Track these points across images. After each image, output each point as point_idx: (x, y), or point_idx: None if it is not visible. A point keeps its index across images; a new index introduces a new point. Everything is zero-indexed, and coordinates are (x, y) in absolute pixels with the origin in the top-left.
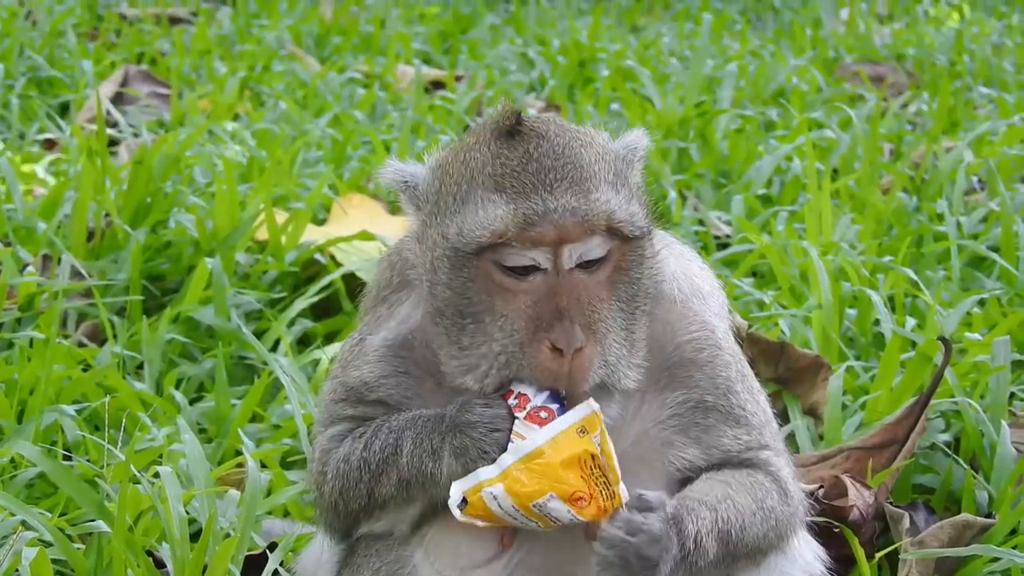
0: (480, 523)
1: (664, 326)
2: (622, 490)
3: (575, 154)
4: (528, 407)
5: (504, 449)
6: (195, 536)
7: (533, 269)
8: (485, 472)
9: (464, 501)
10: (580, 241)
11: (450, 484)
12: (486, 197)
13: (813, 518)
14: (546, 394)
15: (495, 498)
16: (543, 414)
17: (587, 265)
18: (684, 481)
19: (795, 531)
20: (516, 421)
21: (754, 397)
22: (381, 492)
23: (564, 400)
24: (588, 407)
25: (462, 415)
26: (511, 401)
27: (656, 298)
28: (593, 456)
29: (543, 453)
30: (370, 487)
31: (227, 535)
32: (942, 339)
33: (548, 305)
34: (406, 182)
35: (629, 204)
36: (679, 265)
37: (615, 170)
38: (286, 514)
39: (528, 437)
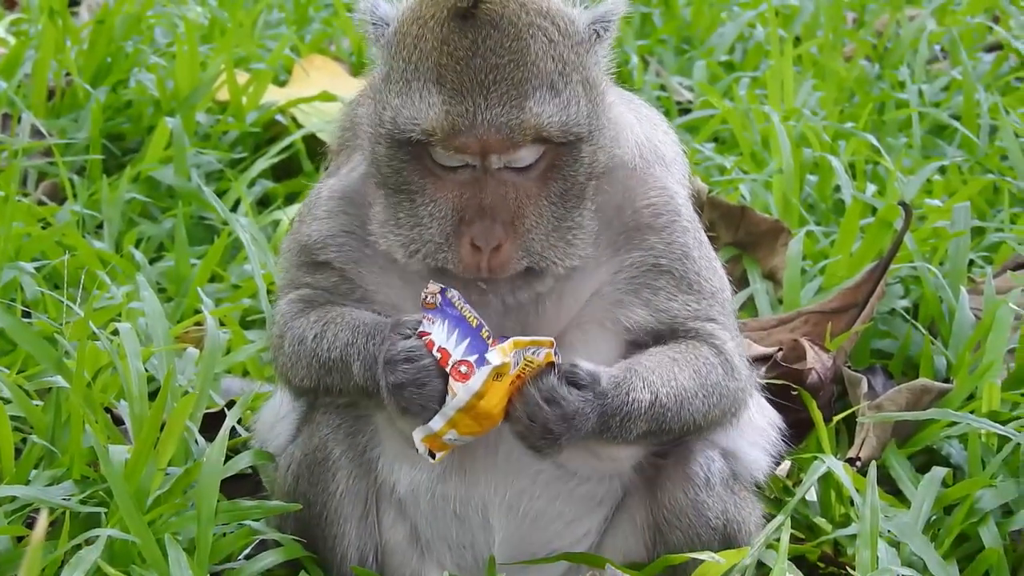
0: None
1: (624, 191)
2: (556, 355)
3: (523, 48)
4: (451, 363)
5: (440, 397)
6: (153, 394)
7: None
8: (435, 424)
9: (431, 452)
10: (506, 153)
11: None
12: (426, 88)
13: (771, 380)
14: (465, 344)
15: (456, 439)
16: (463, 368)
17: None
18: (632, 344)
19: (744, 405)
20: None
21: (710, 264)
22: (334, 384)
23: (481, 333)
24: (490, 367)
25: (389, 374)
26: (435, 353)
27: (607, 172)
28: (518, 376)
29: (476, 405)
30: (320, 375)
31: (185, 392)
32: (902, 204)
33: (473, 200)
34: (375, 25)
35: (566, 109)
36: (644, 130)
37: (565, 62)
38: (245, 373)
39: (457, 392)
